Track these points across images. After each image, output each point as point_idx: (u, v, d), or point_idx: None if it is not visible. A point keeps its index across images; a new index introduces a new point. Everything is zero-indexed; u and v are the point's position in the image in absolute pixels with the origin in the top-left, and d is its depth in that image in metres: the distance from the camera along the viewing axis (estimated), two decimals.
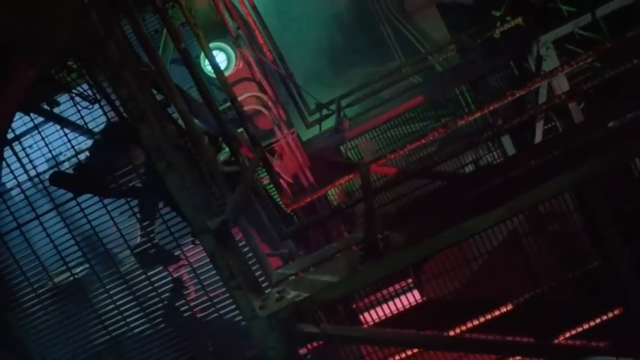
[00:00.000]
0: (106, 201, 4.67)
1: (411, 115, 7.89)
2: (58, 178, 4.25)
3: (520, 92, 5.67)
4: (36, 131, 5.14)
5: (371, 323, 6.80)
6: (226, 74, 7.04)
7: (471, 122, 9.30)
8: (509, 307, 6.39)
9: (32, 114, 5.08)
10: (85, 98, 4.47)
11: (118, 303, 4.82)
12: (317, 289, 4.40)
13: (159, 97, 4.46)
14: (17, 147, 5.19)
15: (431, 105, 8.19)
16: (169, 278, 4.80)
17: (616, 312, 5.14)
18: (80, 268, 4.92)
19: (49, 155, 5.26)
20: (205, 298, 4.86)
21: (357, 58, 11.80)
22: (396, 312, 6.75)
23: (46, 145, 4.98)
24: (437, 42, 11.14)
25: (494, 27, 9.11)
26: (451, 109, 8.56)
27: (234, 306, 4.96)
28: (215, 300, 4.86)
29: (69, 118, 5.25)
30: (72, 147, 4.82)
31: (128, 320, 4.87)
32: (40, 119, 5.23)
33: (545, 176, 4.25)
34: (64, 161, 4.89)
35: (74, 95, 4.45)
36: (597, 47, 5.54)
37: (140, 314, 4.88)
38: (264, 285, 4.74)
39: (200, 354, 5.10)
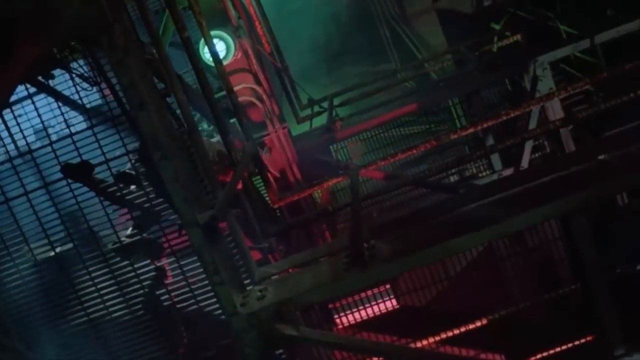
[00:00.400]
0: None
1: (403, 120, 7.94)
2: (69, 170, 4.26)
3: (514, 113, 5.72)
4: (28, 102, 5.10)
5: (346, 324, 6.87)
6: (224, 63, 7.02)
7: None
8: (484, 322, 6.48)
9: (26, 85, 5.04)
10: (85, 79, 4.46)
11: (99, 286, 4.83)
12: (299, 292, 4.43)
13: (159, 86, 4.46)
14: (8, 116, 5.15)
15: (423, 111, 8.25)
16: (152, 266, 4.81)
17: (589, 338, 5.24)
18: (64, 246, 4.91)
19: (39, 127, 5.23)
20: (185, 288, 4.87)
21: (352, 57, 11.83)
22: (372, 315, 6.82)
23: (39, 116, 4.95)
24: (434, 48, 11.20)
25: (492, 40, 9.19)
26: (442, 118, 8.62)
27: (214, 299, 4.97)
28: (196, 292, 4.88)
29: (63, 92, 5.21)
30: (65, 120, 4.78)
31: (107, 303, 4.88)
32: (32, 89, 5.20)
33: (534, 202, 4.31)
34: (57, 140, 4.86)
35: (73, 75, 4.43)
36: (593, 75, 5.60)
37: (120, 298, 4.89)
38: (245, 281, 4.77)
39: (174, 342, 5.12)
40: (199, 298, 4.87)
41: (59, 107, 4.59)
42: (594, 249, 4.67)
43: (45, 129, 4.96)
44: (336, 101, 8.73)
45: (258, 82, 7.43)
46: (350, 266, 4.42)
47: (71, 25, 4.02)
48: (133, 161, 4.56)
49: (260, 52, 7.83)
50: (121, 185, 4.60)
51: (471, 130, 5.85)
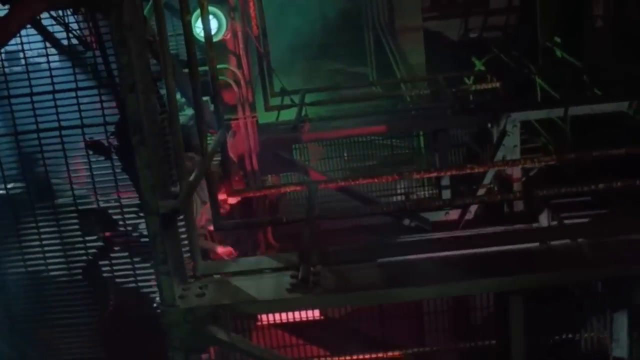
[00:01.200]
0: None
1: (369, 138, 8.08)
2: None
3: (478, 169, 5.90)
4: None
5: (267, 322, 6.99)
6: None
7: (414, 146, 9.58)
8: (396, 354, 6.71)
9: None
10: (82, 42, 4.43)
11: (44, 242, 4.83)
12: (239, 301, 4.53)
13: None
14: None
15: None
16: (100, 235, 4.83)
17: None
18: (18, 189, 4.86)
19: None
20: (128, 265, 4.91)
21: (332, 52, 11.88)
22: (294, 320, 6.96)
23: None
24: (413, 67, 11.33)
25: (471, 78, 9.42)
26: (406, 143, 8.77)
27: (153, 283, 5.02)
28: (137, 272, 4.93)
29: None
30: (51, 76, 4.70)
31: (47, 256, 4.89)
32: None
33: (482, 271, 4.49)
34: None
35: (71, 36, 4.40)
36: (561, 155, 5.83)
37: (61, 257, 4.90)
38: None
39: (103, 308, 5.16)
40: (138, 278, 4.92)
41: (48, 61, 4.53)
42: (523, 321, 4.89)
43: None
44: (308, 99, 8.79)
45: (239, 66, 7.45)
46: (294, 288, 4.52)
47: None
48: (109, 133, 4.56)
49: (247, 35, 7.83)
50: (90, 153, 4.60)
51: (434, 174, 6.04)
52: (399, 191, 9.45)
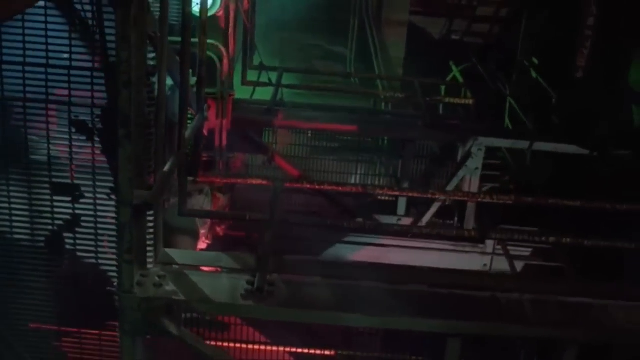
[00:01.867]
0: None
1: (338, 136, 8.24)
2: None
3: (438, 196, 6.13)
4: None
5: None
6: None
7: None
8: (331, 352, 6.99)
9: None
10: (83, 24, 4.46)
11: (12, 202, 4.89)
12: (194, 299, 4.69)
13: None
14: None
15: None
16: (70, 210, 4.92)
17: None
18: None
19: None
20: (91, 243, 5.02)
21: (313, 27, 11.88)
22: None
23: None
24: (392, 60, 11.44)
25: (446, 83, 9.60)
26: (372, 149, 8.93)
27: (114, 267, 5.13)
28: (100, 250, 5.04)
29: None
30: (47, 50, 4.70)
31: (13, 220, 4.96)
32: None
33: (430, 310, 4.75)
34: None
35: (75, 19, 4.42)
36: (519, 198, 6.07)
37: (28, 223, 4.98)
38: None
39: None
40: (100, 256, 5.04)
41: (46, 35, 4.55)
42: None
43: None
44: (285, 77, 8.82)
45: (226, 42, 7.49)
46: (248, 295, 4.71)
47: None
48: (95, 115, 4.63)
49: (238, 10, 7.85)
50: (73, 130, 4.66)
51: (396, 194, 6.26)
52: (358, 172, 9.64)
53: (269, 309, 4.70)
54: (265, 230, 5.35)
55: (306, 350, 6.74)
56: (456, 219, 8.16)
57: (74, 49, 4.59)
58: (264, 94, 8.70)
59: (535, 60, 10.30)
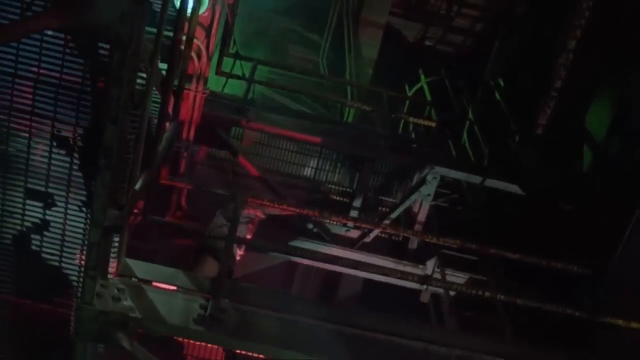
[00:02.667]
0: None
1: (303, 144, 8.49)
2: None
3: (392, 230, 6.47)
4: None
5: None
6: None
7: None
8: None
9: None
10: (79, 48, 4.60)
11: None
12: (150, 318, 4.98)
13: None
14: None
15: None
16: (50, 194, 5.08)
17: None
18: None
19: None
20: (58, 241, 5.23)
21: (290, 11, 11.97)
22: None
23: None
24: (364, 60, 11.63)
25: (412, 98, 9.88)
26: (331, 162, 9.18)
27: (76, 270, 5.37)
28: (65, 249, 5.26)
29: None
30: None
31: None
32: None
33: (363, 355, 5.13)
34: None
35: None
36: (463, 242, 6.46)
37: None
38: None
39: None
40: (65, 253, 5.26)
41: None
42: None
43: None
44: (259, 76, 8.99)
45: (208, 38, 7.63)
46: (201, 321, 5.01)
47: (99, 21, 4.19)
48: (77, 134, 4.80)
49: (223, 8, 7.97)
50: (54, 144, 4.84)
51: (350, 222, 6.59)
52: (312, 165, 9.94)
53: (219, 337, 5.04)
54: (224, 252, 5.63)
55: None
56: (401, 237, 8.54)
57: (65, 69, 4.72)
58: (236, 88, 8.88)
59: (502, 83, 10.63)
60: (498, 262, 8.19)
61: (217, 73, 8.92)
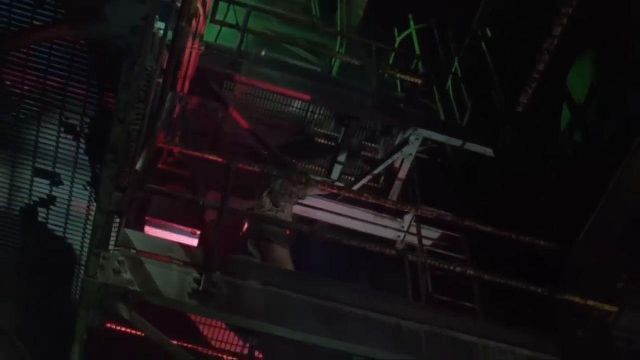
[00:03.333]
0: None
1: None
2: None
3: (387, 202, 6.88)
4: None
5: None
6: None
7: None
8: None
9: None
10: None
11: None
12: (147, 290, 5.43)
13: None
14: None
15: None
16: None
17: None
18: None
19: None
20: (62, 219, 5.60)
21: None
22: None
23: None
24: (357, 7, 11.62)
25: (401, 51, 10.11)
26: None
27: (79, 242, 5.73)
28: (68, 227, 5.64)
29: None
30: None
31: None
32: None
33: (340, 330, 5.66)
34: None
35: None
36: (439, 213, 6.91)
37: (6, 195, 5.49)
38: None
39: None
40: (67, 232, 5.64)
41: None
42: None
43: None
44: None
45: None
46: (194, 295, 5.48)
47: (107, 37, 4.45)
48: (84, 126, 5.09)
49: None
50: (62, 130, 5.14)
51: (334, 192, 7.02)
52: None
53: (210, 311, 5.53)
54: (215, 225, 6.04)
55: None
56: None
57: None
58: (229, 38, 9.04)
59: (489, 32, 10.82)
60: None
61: (211, 21, 9.05)
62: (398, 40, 10.86)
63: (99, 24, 4.39)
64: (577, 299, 6.48)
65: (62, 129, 5.15)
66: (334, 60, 10.78)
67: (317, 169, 9.64)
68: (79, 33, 4.49)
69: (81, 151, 5.24)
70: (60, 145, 5.21)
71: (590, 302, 6.51)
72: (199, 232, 7.60)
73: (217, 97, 8.29)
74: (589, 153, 7.95)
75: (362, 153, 9.25)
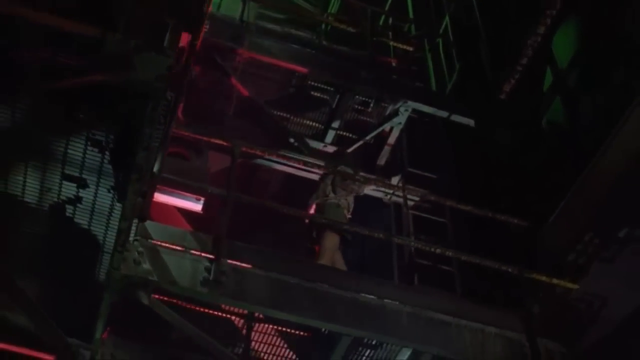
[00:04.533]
0: None
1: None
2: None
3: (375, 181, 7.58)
4: None
5: None
6: None
7: None
8: None
9: None
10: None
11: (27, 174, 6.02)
12: (164, 279, 6.19)
13: None
14: None
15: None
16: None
17: None
18: None
19: None
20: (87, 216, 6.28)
21: None
22: None
23: None
24: None
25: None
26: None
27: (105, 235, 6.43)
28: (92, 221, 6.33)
29: None
30: None
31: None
32: None
33: (332, 311, 6.49)
34: None
35: None
36: (424, 194, 7.63)
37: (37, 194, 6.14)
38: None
39: None
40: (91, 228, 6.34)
41: None
42: None
43: None
44: None
45: None
46: (205, 283, 6.24)
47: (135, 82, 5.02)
48: (109, 141, 5.70)
49: None
50: (89, 144, 5.75)
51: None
52: None
53: (220, 297, 6.32)
54: (223, 211, 6.74)
55: None
56: None
57: None
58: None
59: None
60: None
61: None
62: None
63: (129, 72, 4.96)
64: (543, 278, 7.31)
65: (89, 143, 5.77)
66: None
67: (312, 123, 10.20)
68: (112, 79, 5.06)
69: (105, 161, 5.89)
70: (87, 156, 5.85)
71: (555, 281, 7.33)
72: (202, 199, 8.28)
73: (220, 70, 8.78)
74: (567, 141, 8.55)
75: (355, 116, 9.80)
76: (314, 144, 9.41)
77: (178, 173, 8.36)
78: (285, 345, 7.52)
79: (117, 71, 4.97)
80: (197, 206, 8.35)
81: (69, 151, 5.83)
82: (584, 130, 8.53)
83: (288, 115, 10.03)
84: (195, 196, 8.36)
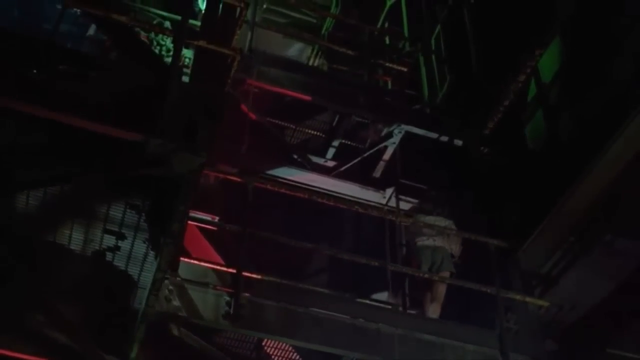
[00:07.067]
0: None
1: None
2: None
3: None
4: None
5: None
6: None
7: None
8: None
9: None
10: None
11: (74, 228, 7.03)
12: (192, 314, 7.24)
13: None
14: None
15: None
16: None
17: None
18: None
19: None
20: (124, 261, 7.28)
21: None
22: None
23: None
24: None
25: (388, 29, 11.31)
26: None
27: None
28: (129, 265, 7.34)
29: None
30: None
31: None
32: None
33: (338, 338, 7.59)
34: None
35: None
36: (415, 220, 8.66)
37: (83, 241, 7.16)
38: None
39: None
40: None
41: None
42: None
43: None
44: None
45: None
46: (227, 316, 7.29)
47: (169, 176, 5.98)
48: (145, 205, 6.68)
49: None
50: (128, 206, 6.74)
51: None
52: None
53: (239, 328, 7.40)
54: (239, 245, 7.74)
55: None
56: None
57: None
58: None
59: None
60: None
61: None
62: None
63: (167, 167, 5.92)
64: (518, 297, 8.39)
65: (128, 207, 6.77)
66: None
67: (313, 132, 11.13)
68: (153, 173, 6.03)
69: (142, 220, 6.89)
70: (126, 216, 6.85)
71: (528, 299, 8.42)
72: (217, 218, 9.24)
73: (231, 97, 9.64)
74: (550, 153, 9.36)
75: (354, 132, 10.70)
76: (316, 159, 10.38)
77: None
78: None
79: (157, 167, 5.93)
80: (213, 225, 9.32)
81: (110, 212, 6.84)
82: (563, 146, 9.35)
83: (289, 125, 10.98)
84: (210, 216, 9.36)
